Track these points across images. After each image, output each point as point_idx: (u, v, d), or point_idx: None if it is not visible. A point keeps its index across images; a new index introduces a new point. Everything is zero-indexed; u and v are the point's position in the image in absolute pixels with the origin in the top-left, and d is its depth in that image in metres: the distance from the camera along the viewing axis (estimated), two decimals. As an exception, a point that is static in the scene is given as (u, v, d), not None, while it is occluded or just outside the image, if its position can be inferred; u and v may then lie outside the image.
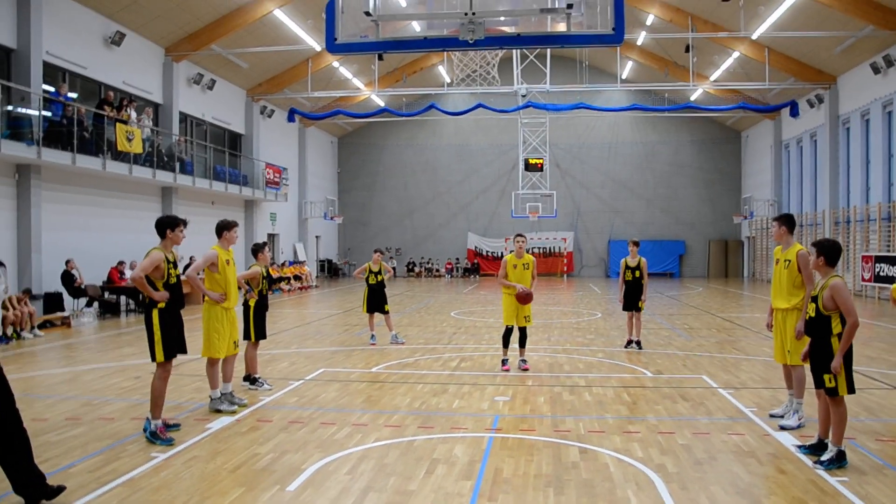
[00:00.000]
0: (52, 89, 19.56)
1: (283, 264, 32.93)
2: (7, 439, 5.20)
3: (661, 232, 42.56)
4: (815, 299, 6.46)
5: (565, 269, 42.27)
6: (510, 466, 6.29)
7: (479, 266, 43.35)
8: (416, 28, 5.55)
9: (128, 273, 20.27)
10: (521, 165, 36.89)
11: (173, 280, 7.38)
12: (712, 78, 34.01)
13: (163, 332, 7.22)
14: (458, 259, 44.02)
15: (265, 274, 9.88)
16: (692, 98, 36.98)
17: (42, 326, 16.38)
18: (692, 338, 15.15)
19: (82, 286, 19.07)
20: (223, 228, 8.50)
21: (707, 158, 42.62)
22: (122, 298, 20.45)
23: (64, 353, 13.79)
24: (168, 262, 7.33)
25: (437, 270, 43.55)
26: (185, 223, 7.59)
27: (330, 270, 41.79)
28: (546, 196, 35.75)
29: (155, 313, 7.24)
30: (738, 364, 11.78)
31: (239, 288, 9.05)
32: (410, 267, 43.74)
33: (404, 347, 13.50)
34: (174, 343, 7.32)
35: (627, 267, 13.24)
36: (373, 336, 14.03)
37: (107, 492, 5.64)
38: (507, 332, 11.15)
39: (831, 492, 5.71)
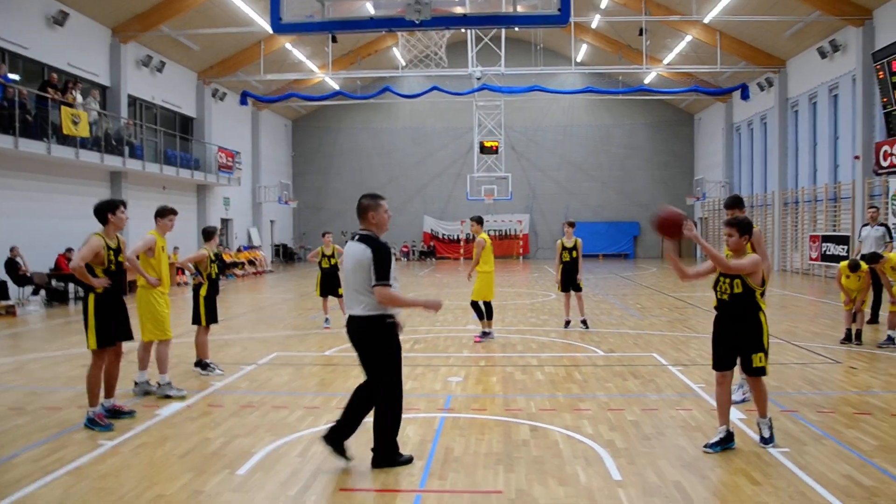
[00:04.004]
0: (-9, 71, 18.94)
1: (238, 249, 32.54)
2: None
3: (615, 214, 43.04)
4: (738, 276, 6.10)
5: (521, 251, 42.53)
6: (461, 445, 6.33)
7: (436, 249, 43.37)
8: (370, 9, 5.48)
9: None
10: (477, 148, 36.91)
11: (114, 267, 7.23)
12: (665, 61, 34.37)
13: (97, 318, 7.05)
14: (414, 242, 43.98)
15: (213, 257, 9.75)
16: (646, 81, 37.32)
17: (-14, 315, 15.96)
18: (644, 317, 15.39)
19: (28, 274, 18.61)
20: (158, 215, 8.38)
21: (661, 140, 43.16)
22: (71, 286, 20.00)
23: (8, 342, 13.46)
24: (109, 248, 7.18)
25: (394, 254, 43.39)
26: (124, 204, 7.45)
27: (285, 255, 41.42)
28: (501, 179, 35.83)
29: (91, 299, 7.07)
30: (689, 342, 12.00)
31: (184, 272, 9.02)
32: (367, 251, 43.49)
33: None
34: (112, 330, 7.16)
35: (564, 248, 13.46)
36: (327, 319, 13.98)
37: (52, 481, 5.52)
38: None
39: (773, 462, 5.87)
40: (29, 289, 18.85)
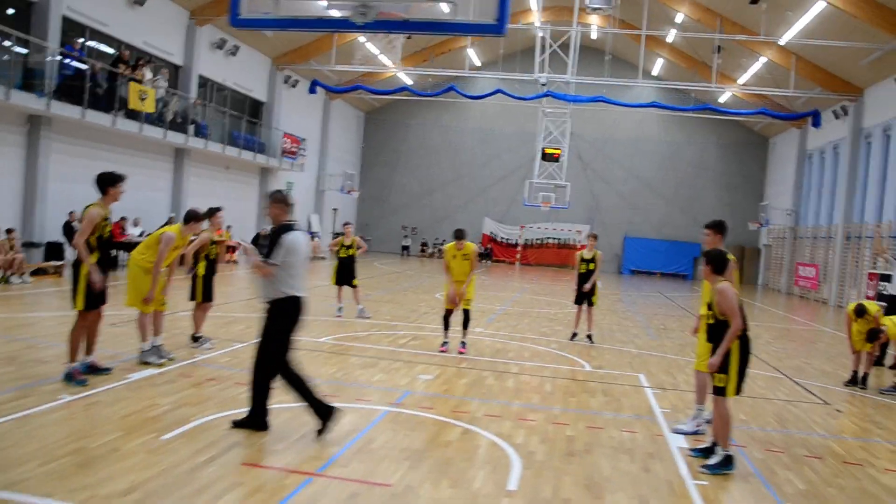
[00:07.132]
0: (68, 44, 20.08)
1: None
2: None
3: (677, 232, 42.29)
4: (710, 306, 6.68)
5: (579, 261, 42.21)
6: (383, 439, 6.58)
7: (492, 251, 43.47)
8: (319, 10, 5.79)
9: (129, 229, 20.88)
10: (539, 154, 36.88)
11: (106, 235, 7.84)
12: (739, 81, 33.57)
13: (87, 285, 7.65)
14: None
15: (213, 240, 10.26)
16: (720, 100, 36.53)
17: (36, 273, 17.02)
18: (658, 338, 15.26)
19: (82, 237, 19.68)
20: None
21: (731, 162, 42.21)
22: (122, 253, 21.04)
23: (40, 299, 14.41)
24: (105, 219, 7.78)
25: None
26: (123, 180, 7.98)
27: (345, 243, 42.21)
28: (560, 187, 35.69)
29: (84, 267, 7.66)
30: (685, 368, 11.84)
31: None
32: (423, 248, 44.07)
33: (366, 322, 13.84)
34: (97, 296, 7.75)
35: (582, 259, 13.38)
36: (339, 308, 14.40)
37: (2, 422, 6.08)
38: (446, 315, 11.55)
39: (681, 493, 5.89)
40: (82, 251, 19.95)
